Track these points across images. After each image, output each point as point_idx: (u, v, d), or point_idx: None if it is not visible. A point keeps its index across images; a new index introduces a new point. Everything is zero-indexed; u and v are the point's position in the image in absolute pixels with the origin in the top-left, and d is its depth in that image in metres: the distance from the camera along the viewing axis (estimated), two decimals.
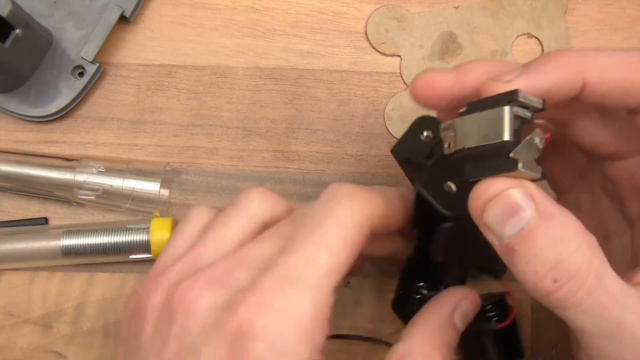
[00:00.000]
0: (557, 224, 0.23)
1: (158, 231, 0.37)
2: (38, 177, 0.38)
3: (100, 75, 0.40)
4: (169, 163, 0.39)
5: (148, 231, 0.37)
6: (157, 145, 0.40)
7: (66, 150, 0.40)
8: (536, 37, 0.42)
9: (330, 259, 0.24)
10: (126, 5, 0.40)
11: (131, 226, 0.37)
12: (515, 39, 0.42)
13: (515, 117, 0.23)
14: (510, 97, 0.23)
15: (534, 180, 0.23)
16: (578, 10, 0.42)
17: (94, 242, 0.37)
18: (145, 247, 0.37)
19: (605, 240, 0.31)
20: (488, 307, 0.33)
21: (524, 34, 0.42)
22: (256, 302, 0.23)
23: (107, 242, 0.37)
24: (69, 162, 0.38)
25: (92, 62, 0.39)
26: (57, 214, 0.39)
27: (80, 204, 0.39)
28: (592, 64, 0.24)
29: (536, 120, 0.24)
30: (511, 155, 0.23)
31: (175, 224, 0.38)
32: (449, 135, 0.25)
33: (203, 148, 0.40)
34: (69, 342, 0.38)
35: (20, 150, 0.39)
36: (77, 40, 0.39)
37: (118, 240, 0.37)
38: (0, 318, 0.38)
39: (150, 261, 0.39)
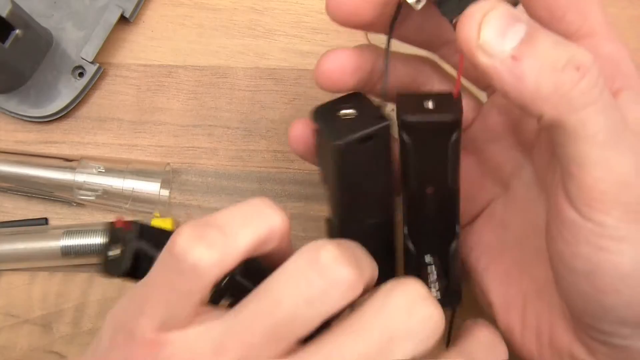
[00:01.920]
0: (550, 32, 0.22)
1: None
2: (38, 178, 0.38)
3: (100, 75, 0.40)
4: (168, 163, 0.39)
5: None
6: (157, 146, 0.40)
7: (66, 151, 0.40)
8: None
9: None
10: (126, 5, 0.40)
11: None
12: None
13: None
14: None
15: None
16: None
17: (94, 243, 0.37)
18: None
19: (506, 191, 0.30)
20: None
21: None
22: None
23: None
24: (68, 162, 0.38)
25: (92, 63, 0.39)
26: (57, 214, 0.39)
27: (80, 204, 0.39)
28: None
29: None
30: None
31: (175, 225, 0.38)
32: None
33: (203, 148, 0.40)
34: (69, 342, 0.38)
35: (20, 150, 0.39)
36: (77, 41, 0.39)
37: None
38: (0, 318, 0.38)
39: None
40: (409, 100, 0.27)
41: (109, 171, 0.38)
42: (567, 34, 0.24)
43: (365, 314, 0.23)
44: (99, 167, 0.38)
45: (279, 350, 0.22)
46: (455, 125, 0.26)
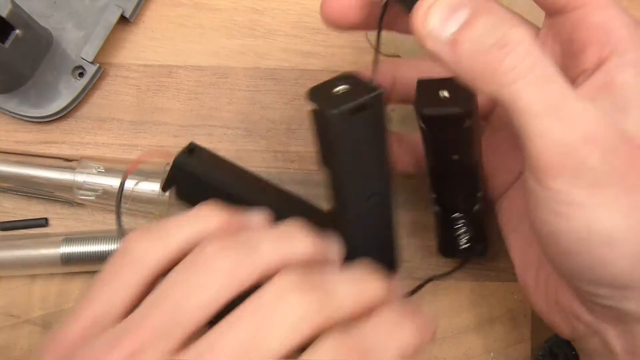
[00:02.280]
0: (494, 13, 0.24)
1: None
2: (38, 178, 0.38)
3: (100, 75, 0.40)
4: (168, 163, 0.39)
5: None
6: (157, 146, 0.40)
7: (66, 151, 0.40)
8: None
9: None
10: (126, 5, 0.40)
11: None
12: None
13: None
14: None
15: None
16: None
17: (94, 250, 0.37)
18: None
19: None
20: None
21: None
22: None
23: (107, 250, 0.37)
24: (68, 162, 0.38)
25: (92, 63, 0.39)
26: (57, 214, 0.39)
27: (80, 204, 0.39)
28: None
29: None
30: None
31: None
32: None
33: None
34: None
35: (20, 150, 0.39)
36: (77, 41, 0.39)
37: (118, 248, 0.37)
38: (0, 319, 0.38)
39: None
40: (427, 88, 0.31)
41: (108, 171, 0.38)
42: (559, 6, 0.26)
43: (242, 306, 0.23)
44: (99, 167, 0.38)
45: (170, 346, 0.22)
46: (467, 115, 0.29)
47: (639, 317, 0.26)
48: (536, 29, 0.29)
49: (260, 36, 0.41)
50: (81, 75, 0.39)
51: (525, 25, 0.26)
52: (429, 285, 0.39)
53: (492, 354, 0.39)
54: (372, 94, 0.26)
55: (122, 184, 0.36)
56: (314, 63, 0.41)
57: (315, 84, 0.28)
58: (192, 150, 0.32)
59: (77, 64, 0.39)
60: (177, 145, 0.40)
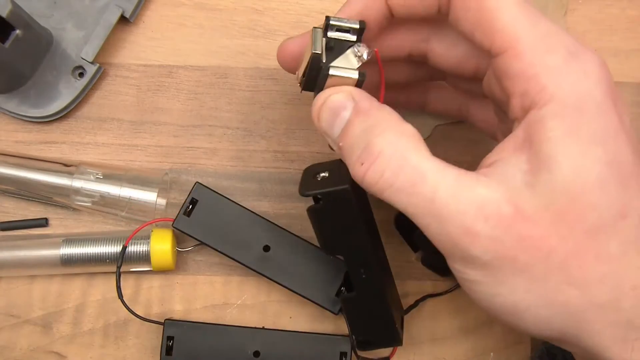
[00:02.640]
0: (369, 117, 0.26)
1: (158, 243, 0.37)
2: (36, 182, 0.38)
3: (100, 75, 0.40)
4: (167, 173, 0.39)
5: (148, 242, 0.37)
6: (157, 146, 0.40)
7: (66, 151, 0.40)
8: None
9: None
10: (126, 5, 0.40)
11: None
12: None
13: (334, 39, 0.27)
14: (324, 24, 0.28)
15: (358, 84, 0.27)
16: (578, 11, 0.42)
17: (94, 252, 0.37)
18: (145, 258, 0.37)
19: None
20: None
21: None
22: None
23: (106, 251, 0.37)
24: (67, 167, 0.38)
25: (92, 63, 0.39)
26: (57, 215, 0.39)
27: (77, 209, 0.39)
28: None
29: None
30: (327, 65, 0.27)
31: (175, 237, 0.38)
32: (298, 74, 0.30)
33: (203, 149, 0.40)
34: (69, 342, 0.38)
35: (20, 153, 0.39)
36: (77, 41, 0.39)
37: (118, 251, 0.37)
38: (0, 319, 0.38)
39: (151, 276, 0.39)
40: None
41: (106, 178, 0.38)
42: (484, 52, 0.26)
43: None
44: (97, 174, 0.38)
45: None
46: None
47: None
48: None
49: (260, 36, 0.41)
50: (81, 75, 0.39)
51: (401, 123, 0.27)
52: (430, 286, 0.39)
53: (492, 354, 0.39)
54: (338, 188, 0.30)
55: (123, 249, 0.37)
56: None
57: (311, 164, 0.34)
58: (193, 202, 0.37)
59: (77, 64, 0.39)
60: (177, 145, 0.40)
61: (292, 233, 0.37)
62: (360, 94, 0.27)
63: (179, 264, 0.39)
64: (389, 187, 0.25)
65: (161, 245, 0.37)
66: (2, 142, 0.40)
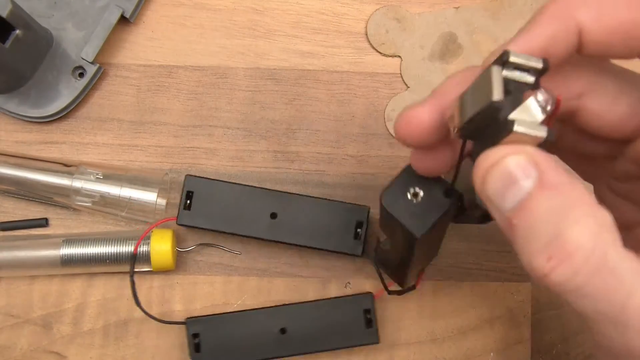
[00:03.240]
0: (560, 194, 0.20)
1: (159, 243, 0.37)
2: (36, 182, 0.38)
3: (100, 75, 0.40)
4: (167, 173, 0.39)
5: (148, 243, 0.37)
6: (157, 146, 0.40)
7: (66, 151, 0.40)
8: None
9: None
10: (126, 5, 0.40)
11: (132, 237, 0.37)
12: None
13: (511, 81, 0.21)
14: (500, 60, 0.22)
15: (542, 144, 0.21)
16: None
17: (94, 253, 0.37)
18: (145, 259, 0.37)
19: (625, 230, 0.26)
20: None
21: None
22: None
23: (106, 251, 0.37)
24: (67, 167, 0.38)
25: (92, 63, 0.39)
26: (57, 215, 0.39)
27: (77, 209, 0.39)
28: (585, 4, 0.21)
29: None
30: (507, 117, 0.21)
31: (175, 237, 0.38)
32: (452, 118, 0.23)
33: (203, 149, 0.40)
34: (69, 342, 0.38)
35: (20, 153, 0.39)
36: (78, 41, 0.39)
37: (118, 251, 0.37)
38: (0, 319, 0.38)
39: (151, 276, 0.39)
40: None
41: (106, 178, 0.38)
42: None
43: None
44: (97, 174, 0.38)
45: None
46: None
47: None
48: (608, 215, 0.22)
49: (260, 36, 0.41)
50: (81, 75, 0.39)
51: (598, 208, 0.20)
52: (429, 286, 0.39)
53: (492, 354, 0.39)
54: (447, 206, 0.26)
55: (133, 257, 0.36)
56: (314, 63, 0.41)
57: (386, 186, 0.27)
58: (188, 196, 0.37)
59: (77, 64, 0.39)
60: (177, 145, 0.40)
61: (293, 193, 0.37)
62: (547, 161, 0.20)
63: (179, 264, 0.39)
64: (576, 290, 0.20)
65: (161, 246, 0.37)
66: (2, 142, 0.40)
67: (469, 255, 0.40)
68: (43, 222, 0.39)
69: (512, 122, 0.20)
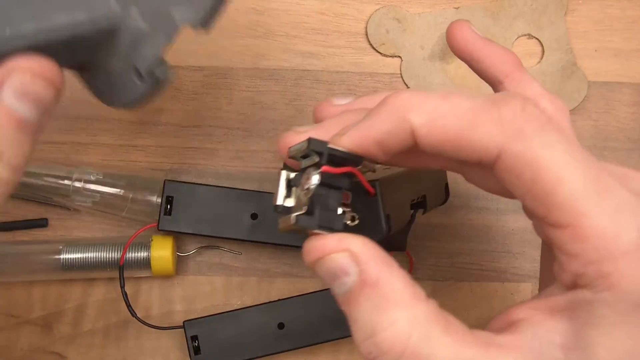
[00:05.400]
0: (377, 293, 0.21)
1: (158, 250, 0.37)
2: (36, 182, 0.38)
3: None
4: (167, 173, 0.39)
5: (149, 248, 0.37)
6: (157, 146, 0.40)
7: (67, 151, 0.40)
8: (537, 38, 0.42)
9: None
10: None
11: (135, 242, 0.37)
12: (516, 39, 0.42)
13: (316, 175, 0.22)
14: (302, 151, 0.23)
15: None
16: (579, 11, 0.42)
17: (94, 257, 0.37)
18: (145, 264, 0.37)
19: None
20: None
21: (525, 35, 0.42)
22: None
23: (106, 256, 0.37)
24: (67, 167, 0.38)
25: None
26: (57, 215, 0.39)
27: (77, 210, 0.39)
28: (416, 110, 0.22)
29: None
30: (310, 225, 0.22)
31: (175, 243, 0.38)
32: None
33: (203, 149, 0.40)
34: (70, 342, 0.38)
35: None
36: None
37: (118, 257, 0.37)
38: (0, 319, 0.38)
39: (151, 278, 0.39)
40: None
41: (107, 178, 0.38)
42: (536, 218, 0.22)
43: None
44: (97, 174, 0.38)
45: None
46: None
47: None
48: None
49: (261, 36, 0.41)
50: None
51: (415, 304, 0.21)
52: (430, 286, 0.39)
53: None
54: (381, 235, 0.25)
55: (121, 268, 0.37)
56: (314, 63, 0.41)
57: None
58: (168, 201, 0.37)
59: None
60: (177, 145, 0.40)
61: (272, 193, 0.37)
62: (368, 257, 0.21)
63: (179, 264, 0.39)
64: None
65: (161, 253, 0.37)
66: None
67: (469, 256, 0.40)
68: (43, 223, 0.39)
69: (317, 226, 0.22)
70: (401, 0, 0.42)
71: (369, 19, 0.41)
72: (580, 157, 0.20)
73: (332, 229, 0.22)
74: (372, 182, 0.25)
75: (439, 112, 0.21)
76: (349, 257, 0.21)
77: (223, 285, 0.39)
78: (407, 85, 0.41)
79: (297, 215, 0.22)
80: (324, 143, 0.23)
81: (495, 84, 0.28)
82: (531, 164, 0.20)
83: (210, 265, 0.39)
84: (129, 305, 0.36)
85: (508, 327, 0.22)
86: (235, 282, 0.39)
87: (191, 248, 0.39)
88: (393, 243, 0.32)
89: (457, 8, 0.42)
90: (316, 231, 0.22)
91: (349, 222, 0.23)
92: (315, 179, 0.22)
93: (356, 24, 0.41)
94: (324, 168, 0.22)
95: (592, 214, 0.20)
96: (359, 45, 0.41)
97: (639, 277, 0.20)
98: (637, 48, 0.42)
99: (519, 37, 0.42)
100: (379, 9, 0.41)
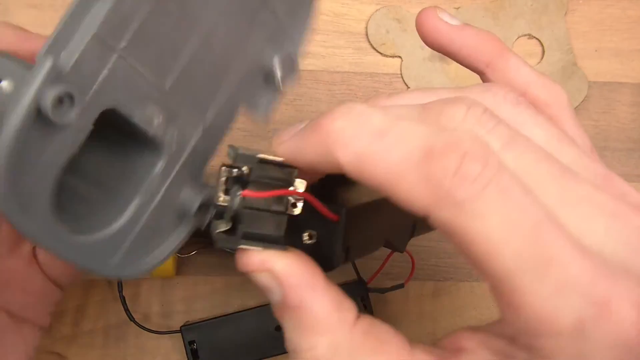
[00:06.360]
0: (299, 317, 0.21)
1: None
2: None
3: None
4: None
5: None
6: None
7: None
8: (537, 38, 0.42)
9: None
10: None
11: None
12: (516, 40, 0.42)
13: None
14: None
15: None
16: (579, 11, 0.42)
17: None
18: None
19: None
20: None
21: (525, 35, 0.42)
22: None
23: None
24: None
25: None
26: None
27: None
28: (347, 150, 0.20)
29: None
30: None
31: (176, 261, 0.38)
32: None
33: None
34: (69, 342, 0.38)
35: None
36: None
37: None
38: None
39: (151, 279, 0.39)
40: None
41: None
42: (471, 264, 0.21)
43: None
44: None
45: None
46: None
47: None
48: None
49: None
50: None
51: (333, 328, 0.21)
52: (430, 286, 0.39)
53: None
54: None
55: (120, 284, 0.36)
56: (314, 63, 0.41)
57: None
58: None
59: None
60: None
61: None
62: (291, 277, 0.21)
63: (179, 265, 0.39)
64: None
65: None
66: None
67: None
68: None
69: (240, 243, 0.21)
70: (401, 0, 0.42)
71: (369, 19, 0.41)
72: (526, 223, 0.18)
73: (266, 243, 0.21)
74: (338, 209, 0.23)
75: (368, 157, 0.19)
76: (270, 278, 0.21)
77: (223, 286, 0.39)
78: (407, 85, 0.41)
79: (217, 233, 0.21)
80: (252, 158, 0.22)
81: (479, 74, 0.26)
82: (459, 234, 0.18)
83: (210, 265, 0.39)
84: (127, 310, 0.36)
85: (457, 351, 0.21)
86: (236, 282, 0.39)
87: (191, 249, 0.39)
88: (393, 244, 0.32)
89: (457, 8, 0.42)
90: (241, 247, 0.21)
91: (305, 238, 0.22)
92: (236, 202, 0.21)
93: (356, 24, 0.41)
94: (244, 193, 0.21)
95: (525, 291, 0.18)
96: (359, 46, 0.41)
97: (572, 356, 0.18)
98: (638, 48, 0.42)
99: (519, 37, 0.42)
100: (379, 9, 0.41)
